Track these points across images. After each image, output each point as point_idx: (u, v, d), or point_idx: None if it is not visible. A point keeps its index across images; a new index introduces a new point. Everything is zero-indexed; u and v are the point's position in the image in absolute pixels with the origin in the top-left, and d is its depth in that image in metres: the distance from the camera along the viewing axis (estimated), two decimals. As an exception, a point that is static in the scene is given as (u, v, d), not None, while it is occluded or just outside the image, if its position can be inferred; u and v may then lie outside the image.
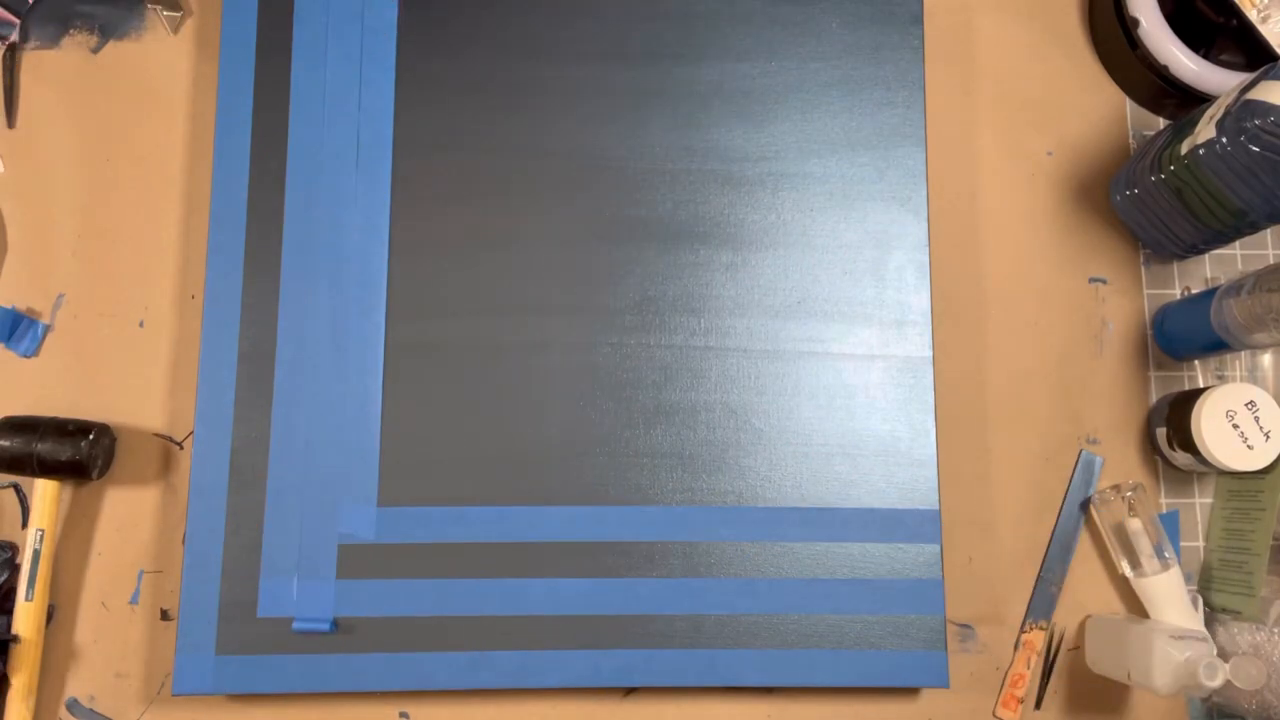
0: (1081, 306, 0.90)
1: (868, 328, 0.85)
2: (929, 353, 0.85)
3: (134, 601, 0.83)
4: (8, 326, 0.85)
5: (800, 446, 0.83)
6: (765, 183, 0.86)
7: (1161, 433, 0.85)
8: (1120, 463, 0.88)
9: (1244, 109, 0.74)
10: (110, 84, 0.89)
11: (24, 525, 0.83)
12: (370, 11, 0.87)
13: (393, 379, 0.82)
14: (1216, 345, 0.83)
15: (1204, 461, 0.81)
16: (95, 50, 0.89)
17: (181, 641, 0.78)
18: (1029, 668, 0.85)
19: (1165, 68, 0.87)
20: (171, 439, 0.85)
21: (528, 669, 0.79)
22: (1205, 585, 0.86)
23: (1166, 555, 0.82)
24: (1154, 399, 0.89)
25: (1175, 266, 0.91)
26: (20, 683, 0.79)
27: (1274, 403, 0.80)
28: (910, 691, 0.84)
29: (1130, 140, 0.92)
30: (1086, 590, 0.86)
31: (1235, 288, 0.80)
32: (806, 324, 0.85)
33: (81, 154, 0.88)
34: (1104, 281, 0.90)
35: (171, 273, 0.87)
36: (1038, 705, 0.85)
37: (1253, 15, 0.86)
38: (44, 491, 0.81)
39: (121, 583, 0.83)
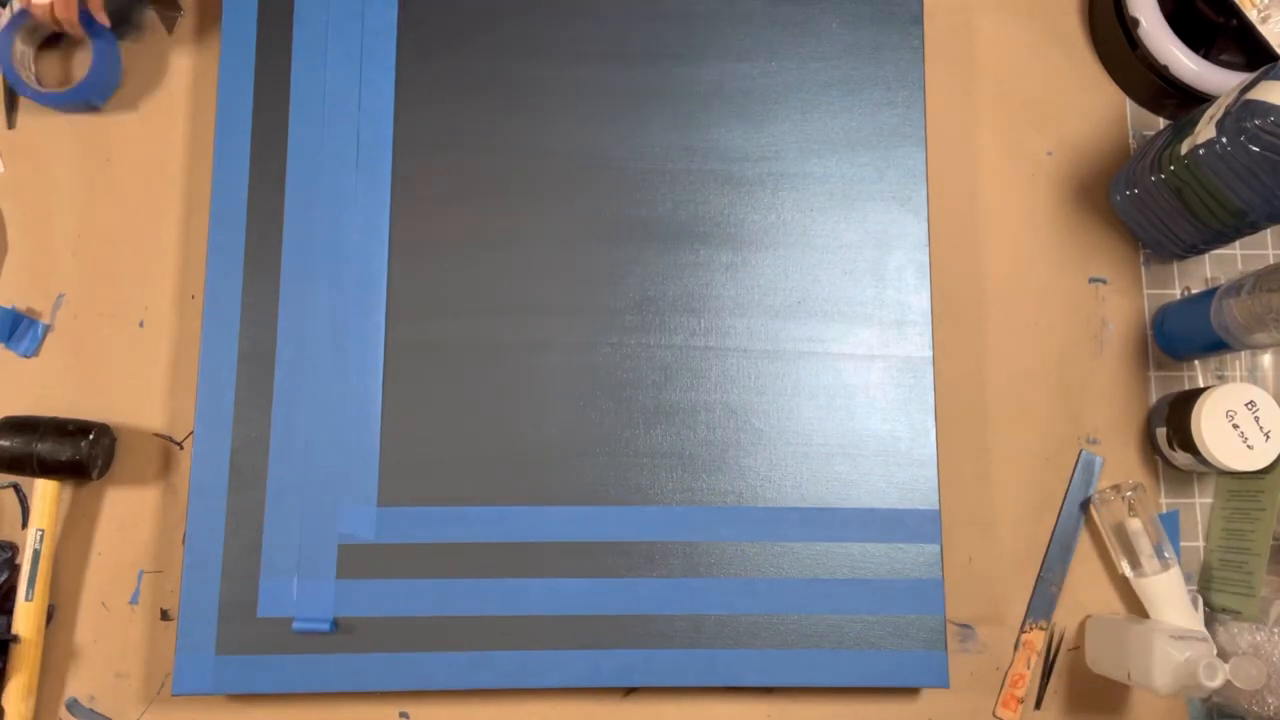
0: (1081, 306, 0.90)
1: (868, 328, 0.85)
2: (929, 353, 0.85)
3: (134, 601, 0.83)
4: (8, 326, 0.85)
5: (800, 446, 0.83)
6: (765, 183, 0.86)
7: (1161, 433, 0.85)
8: (1120, 463, 0.88)
9: (1244, 109, 0.74)
10: (110, 84, 0.89)
11: (24, 525, 0.83)
12: (370, 11, 0.87)
13: (393, 379, 0.82)
14: (1216, 345, 0.83)
15: (1204, 461, 0.81)
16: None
17: (181, 641, 0.78)
18: (1029, 668, 0.85)
19: (1165, 68, 0.87)
20: (171, 439, 0.85)
21: (528, 669, 0.79)
22: (1205, 585, 0.86)
23: (1166, 555, 0.82)
24: (1154, 399, 0.89)
25: (1175, 266, 0.91)
26: (20, 683, 0.79)
27: (1274, 403, 0.80)
28: (910, 691, 0.84)
29: (1130, 140, 0.92)
30: (1086, 590, 0.86)
31: (1235, 288, 0.80)
32: (806, 324, 0.85)
33: (81, 154, 0.88)
34: (1104, 281, 0.90)
35: (171, 273, 0.87)
36: (1038, 705, 0.85)
37: (1253, 15, 0.86)
38: (44, 491, 0.81)
39: (121, 583, 0.83)
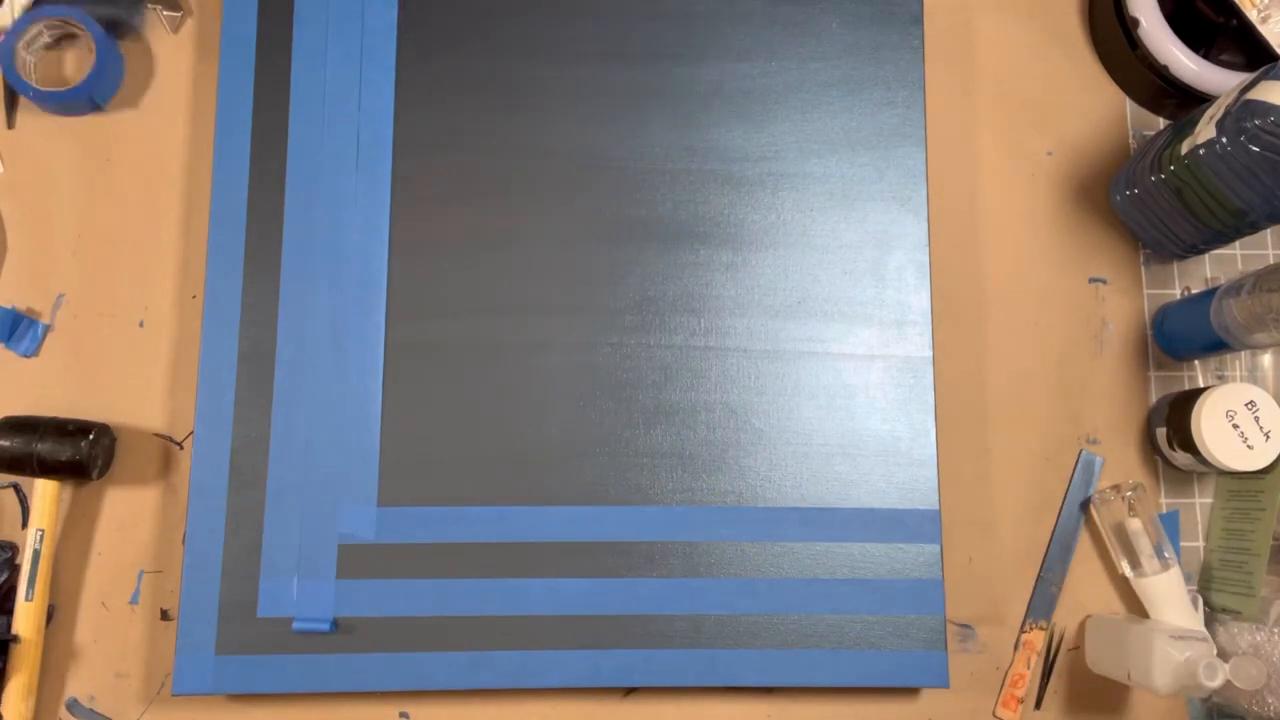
0: (1081, 306, 0.90)
1: (868, 328, 0.85)
2: (929, 353, 0.85)
3: (134, 601, 0.83)
4: (8, 326, 0.85)
5: (800, 446, 0.83)
6: (765, 183, 0.86)
7: (1161, 433, 0.85)
8: (1120, 463, 0.88)
9: (1244, 109, 0.74)
10: (110, 84, 0.89)
11: (24, 525, 0.83)
12: (370, 11, 0.87)
13: (393, 379, 0.82)
14: (1216, 345, 0.83)
15: (1204, 461, 0.81)
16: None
17: (181, 641, 0.78)
18: (1029, 668, 0.85)
19: (1165, 68, 0.87)
20: (171, 439, 0.85)
21: (528, 669, 0.79)
22: (1205, 585, 0.86)
23: (1166, 555, 0.82)
24: (1154, 399, 0.89)
25: (1175, 266, 0.91)
26: (20, 683, 0.79)
27: (1274, 403, 0.80)
28: (910, 691, 0.84)
29: (1130, 140, 0.92)
30: (1086, 590, 0.86)
31: (1235, 288, 0.80)
32: (806, 324, 0.85)
33: (81, 154, 0.88)
34: (1104, 281, 0.90)
35: (171, 273, 0.87)
36: (1038, 705, 0.85)
37: (1253, 15, 0.86)
38: (44, 491, 0.81)
39: (121, 583, 0.83)
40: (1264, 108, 0.73)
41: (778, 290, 0.85)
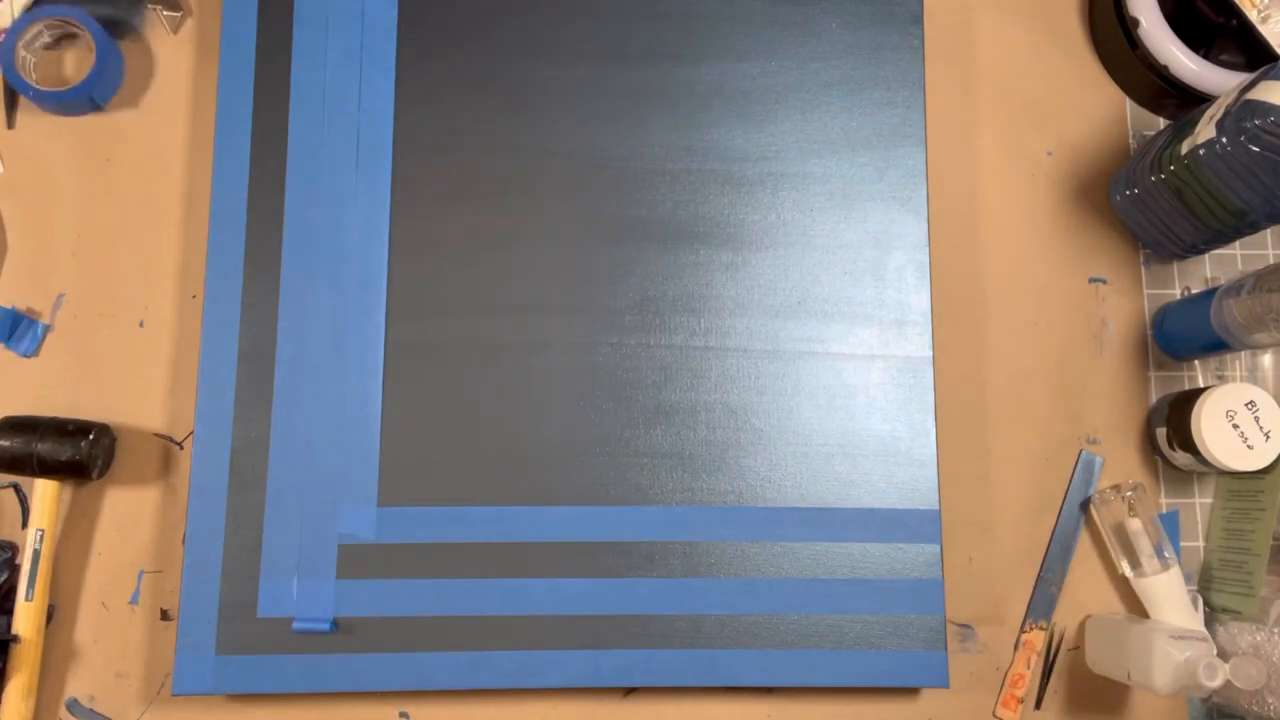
0: (1081, 306, 0.90)
1: (868, 328, 0.85)
2: (929, 353, 0.85)
3: (134, 601, 0.83)
4: (8, 326, 0.85)
5: (800, 446, 0.83)
6: (765, 183, 0.86)
7: (1161, 433, 0.85)
8: (1120, 463, 0.88)
9: (1244, 109, 0.74)
10: (110, 84, 0.89)
11: (24, 525, 0.83)
12: (370, 11, 0.87)
13: (393, 379, 0.82)
14: (1216, 345, 0.83)
15: (1204, 461, 0.81)
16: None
17: (181, 641, 0.78)
18: (1029, 668, 0.85)
19: (1165, 68, 0.87)
20: (171, 439, 0.85)
21: (528, 669, 0.79)
22: (1205, 585, 0.86)
23: (1166, 555, 0.82)
24: (1154, 399, 0.89)
25: (1175, 266, 0.91)
26: (20, 683, 0.79)
27: (1274, 403, 0.80)
28: (910, 691, 0.84)
29: (1130, 140, 0.92)
30: (1086, 590, 0.86)
31: (1235, 288, 0.80)
32: (806, 324, 0.85)
33: (81, 154, 0.88)
34: (1104, 281, 0.90)
35: (171, 273, 0.87)
36: (1038, 705, 0.85)
37: (1253, 15, 0.86)
38: (44, 491, 0.81)
39: (121, 583, 0.83)
40: (1264, 108, 0.73)
41: (778, 290, 0.85)
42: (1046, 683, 0.85)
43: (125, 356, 0.86)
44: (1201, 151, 0.77)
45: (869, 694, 0.84)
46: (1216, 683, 0.74)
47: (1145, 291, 0.90)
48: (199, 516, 0.80)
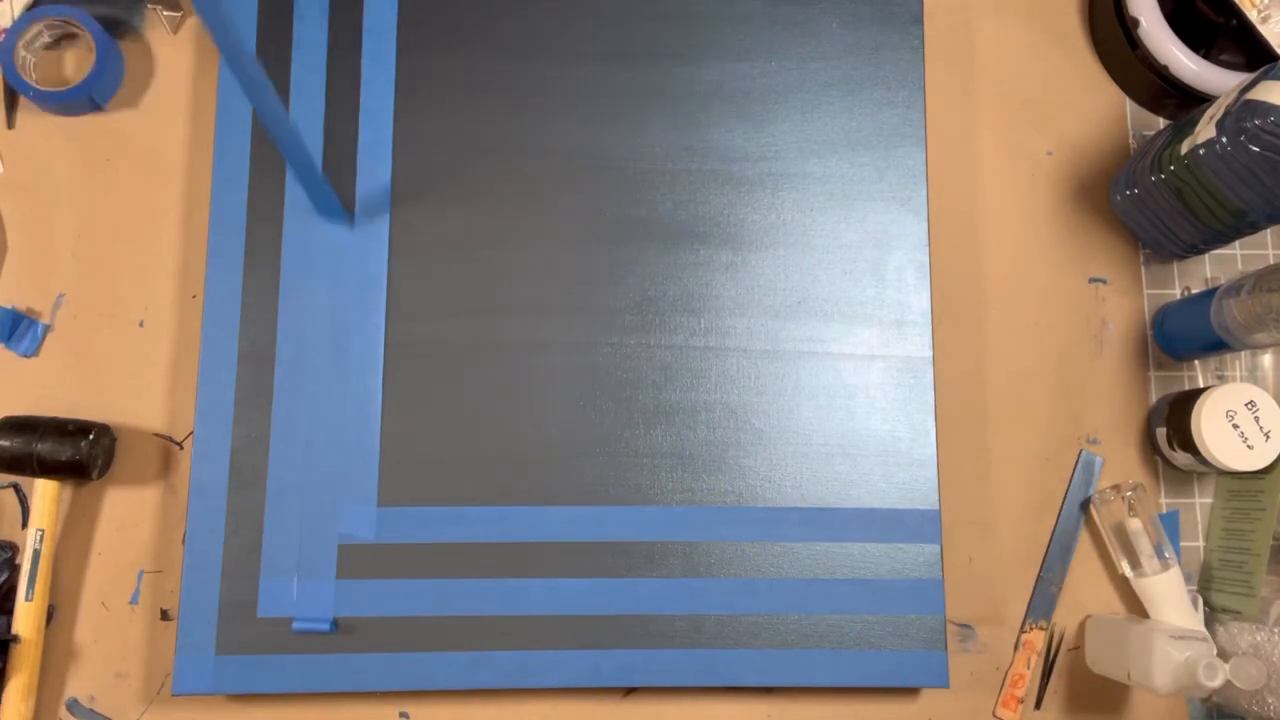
0: (1081, 306, 0.90)
1: (868, 328, 0.85)
2: (929, 353, 0.85)
3: (134, 601, 0.83)
4: (8, 326, 0.85)
5: (800, 446, 0.83)
6: (765, 183, 0.86)
7: (1161, 433, 0.85)
8: (1120, 463, 0.88)
9: (1244, 109, 0.74)
10: (110, 84, 0.89)
11: (24, 525, 0.83)
12: (370, 11, 0.87)
13: (393, 379, 0.82)
14: (1216, 345, 0.83)
15: (1204, 461, 0.81)
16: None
17: (181, 641, 0.78)
18: (1029, 668, 0.85)
19: (1165, 68, 0.87)
20: (171, 439, 0.85)
21: (528, 669, 0.79)
22: (1205, 585, 0.86)
23: (1166, 555, 0.82)
24: (1154, 399, 0.89)
25: (1175, 266, 0.91)
26: (20, 683, 0.79)
27: (1274, 403, 0.80)
28: (910, 691, 0.84)
29: (1130, 140, 0.92)
30: (1086, 590, 0.86)
31: (1235, 288, 0.80)
32: (806, 324, 0.85)
33: (81, 154, 0.88)
34: (1104, 281, 0.90)
35: (171, 273, 0.87)
36: (1038, 705, 0.85)
37: (1253, 15, 0.86)
38: (44, 491, 0.81)
39: (121, 583, 0.83)
40: (1264, 108, 0.73)
41: (778, 290, 0.85)
42: (1046, 683, 0.85)
43: (125, 356, 0.86)
44: (1201, 151, 0.77)
45: (869, 694, 0.84)
46: (1216, 683, 0.74)
47: (1145, 291, 0.90)
48: (199, 516, 0.80)
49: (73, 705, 0.82)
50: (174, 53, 0.90)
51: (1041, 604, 0.86)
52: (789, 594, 0.81)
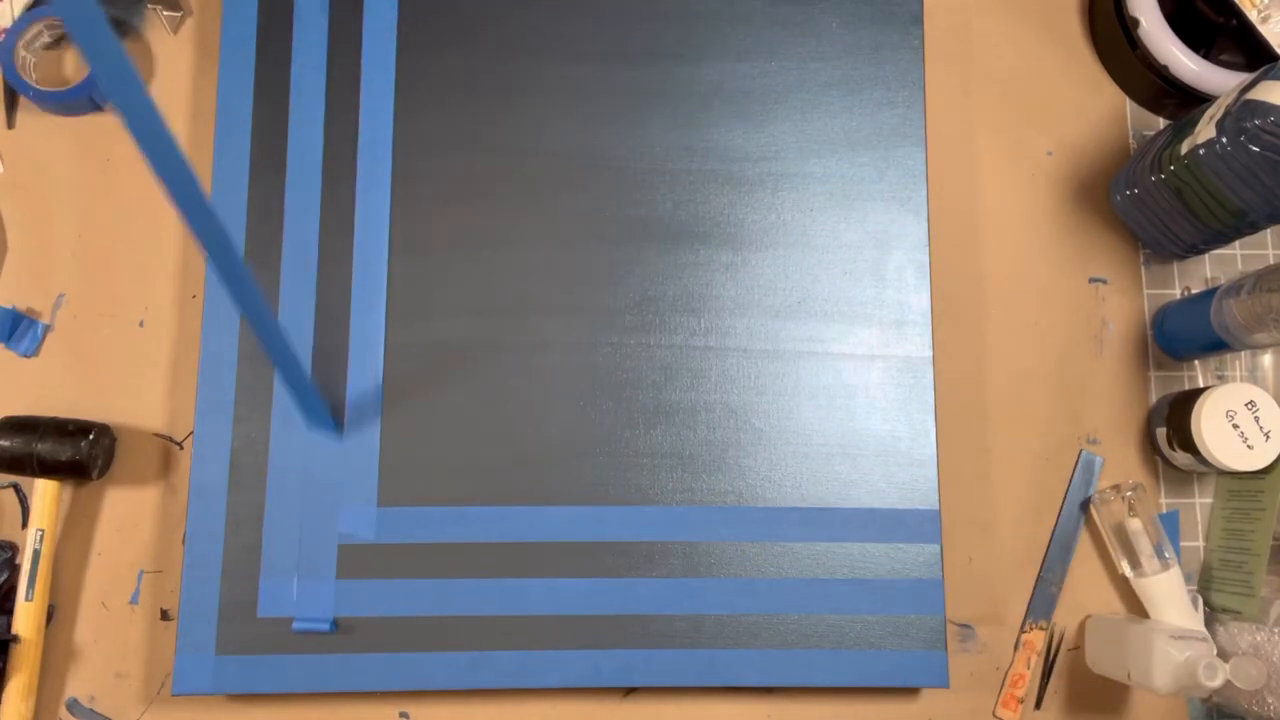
0: (1081, 306, 0.90)
1: (868, 328, 0.85)
2: (929, 353, 0.85)
3: (134, 601, 0.83)
4: (8, 326, 0.85)
5: (800, 446, 0.83)
6: (765, 183, 0.86)
7: (1161, 433, 0.85)
8: (1120, 463, 0.88)
9: (1244, 109, 0.74)
10: (110, 84, 0.89)
11: (24, 525, 0.83)
12: (370, 11, 0.87)
13: (393, 379, 0.82)
14: (1216, 345, 0.83)
15: (1204, 461, 0.81)
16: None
17: (181, 641, 0.78)
18: (1029, 668, 0.85)
19: (1165, 68, 0.87)
20: (171, 439, 0.85)
21: (528, 669, 0.79)
22: (1205, 585, 0.86)
23: (1166, 555, 0.82)
24: (1154, 399, 0.89)
25: (1175, 266, 0.91)
26: (20, 683, 0.79)
27: (1274, 403, 0.80)
28: (910, 691, 0.84)
29: (1130, 140, 0.92)
30: (1086, 590, 0.86)
31: (1235, 288, 0.80)
32: (806, 324, 0.85)
33: (81, 154, 0.88)
34: (1104, 281, 0.90)
35: (171, 273, 0.87)
36: (1038, 705, 0.85)
37: (1253, 15, 0.86)
38: (44, 491, 0.81)
39: (121, 583, 0.83)
40: (1264, 108, 0.73)
41: (778, 290, 0.85)
42: (1046, 683, 0.85)
43: (125, 356, 0.86)
44: (1201, 151, 0.77)
45: (869, 694, 0.84)
46: (1216, 683, 0.74)
47: (1145, 291, 0.90)
48: (199, 516, 0.80)
49: (73, 705, 0.82)
50: (174, 53, 0.90)
51: (1041, 604, 0.86)
52: (789, 594, 0.81)
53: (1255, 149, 0.74)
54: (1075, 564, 0.87)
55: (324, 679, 0.78)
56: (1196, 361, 0.89)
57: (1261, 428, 0.80)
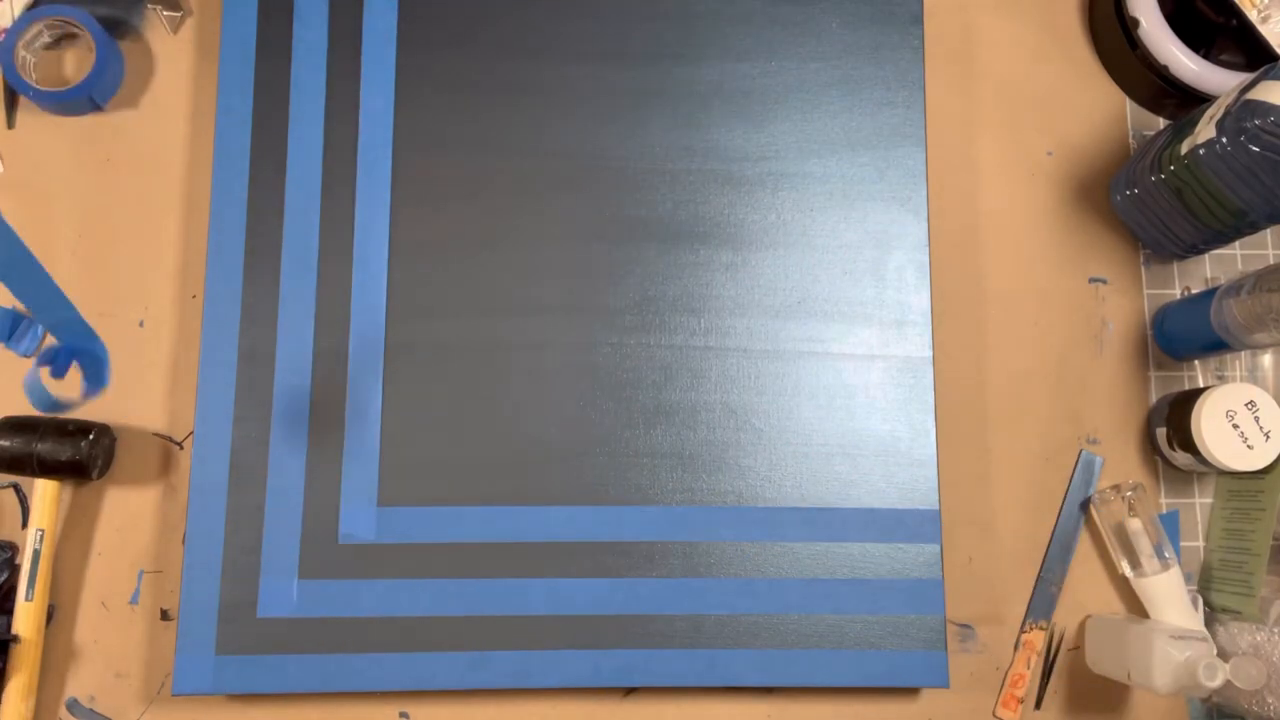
0: (1081, 306, 0.90)
1: (868, 328, 0.85)
2: (929, 353, 0.85)
3: (134, 601, 0.83)
4: (8, 326, 0.85)
5: (800, 446, 0.83)
6: (765, 183, 0.86)
7: (1161, 433, 0.85)
8: (1120, 463, 0.88)
9: (1244, 109, 0.74)
10: (110, 84, 0.89)
11: (24, 525, 0.83)
12: (370, 11, 0.87)
13: (393, 379, 0.82)
14: (1216, 345, 0.83)
15: (1204, 461, 0.81)
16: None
17: (181, 641, 0.78)
18: (1029, 668, 0.85)
19: (1165, 68, 0.87)
20: (171, 439, 0.85)
21: (528, 669, 0.79)
22: (1205, 585, 0.86)
23: (1166, 555, 0.82)
24: (1154, 399, 0.89)
25: (1175, 266, 0.91)
26: (20, 683, 0.79)
27: (1274, 403, 0.80)
28: (910, 691, 0.84)
29: (1130, 140, 0.92)
30: (1086, 590, 0.86)
31: (1235, 288, 0.80)
32: (806, 324, 0.85)
33: (81, 154, 0.88)
34: (1104, 281, 0.90)
35: (171, 273, 0.87)
36: (1038, 705, 0.85)
37: (1253, 15, 0.86)
38: (44, 491, 0.81)
39: (121, 583, 0.83)
40: (1264, 108, 0.73)
41: (778, 290, 0.85)
42: (1046, 683, 0.85)
43: (125, 356, 0.86)
44: (1201, 151, 0.77)
45: (869, 694, 0.84)
46: (1216, 683, 0.74)
47: (1145, 291, 0.90)
48: (199, 516, 0.80)
49: (73, 705, 0.82)
50: (174, 53, 0.90)
51: (1041, 604, 0.86)
52: (789, 594, 0.81)
53: (1255, 149, 0.74)
54: (1075, 564, 0.87)
55: (324, 679, 0.78)
56: (1196, 361, 0.89)
57: (1261, 428, 0.80)
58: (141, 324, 0.86)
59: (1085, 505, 0.87)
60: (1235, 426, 0.80)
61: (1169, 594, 0.81)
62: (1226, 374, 0.89)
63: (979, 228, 0.91)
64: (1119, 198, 0.87)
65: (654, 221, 0.85)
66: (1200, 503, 0.88)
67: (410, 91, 0.86)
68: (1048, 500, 0.87)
